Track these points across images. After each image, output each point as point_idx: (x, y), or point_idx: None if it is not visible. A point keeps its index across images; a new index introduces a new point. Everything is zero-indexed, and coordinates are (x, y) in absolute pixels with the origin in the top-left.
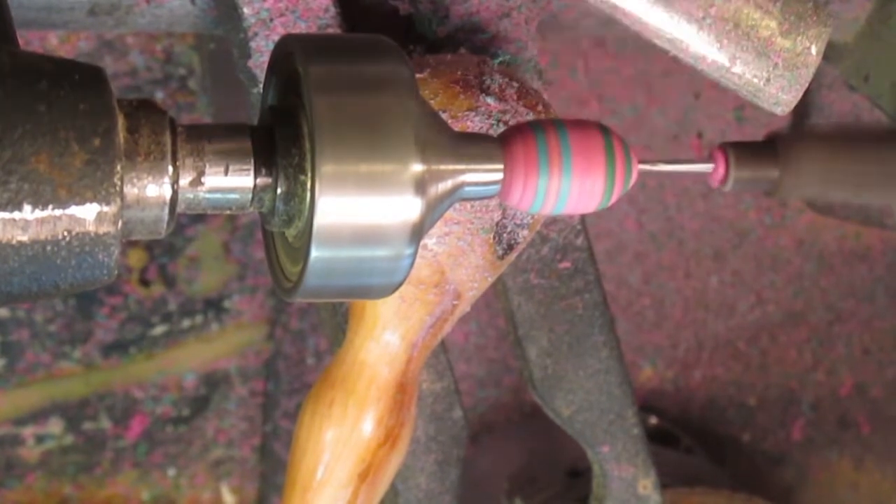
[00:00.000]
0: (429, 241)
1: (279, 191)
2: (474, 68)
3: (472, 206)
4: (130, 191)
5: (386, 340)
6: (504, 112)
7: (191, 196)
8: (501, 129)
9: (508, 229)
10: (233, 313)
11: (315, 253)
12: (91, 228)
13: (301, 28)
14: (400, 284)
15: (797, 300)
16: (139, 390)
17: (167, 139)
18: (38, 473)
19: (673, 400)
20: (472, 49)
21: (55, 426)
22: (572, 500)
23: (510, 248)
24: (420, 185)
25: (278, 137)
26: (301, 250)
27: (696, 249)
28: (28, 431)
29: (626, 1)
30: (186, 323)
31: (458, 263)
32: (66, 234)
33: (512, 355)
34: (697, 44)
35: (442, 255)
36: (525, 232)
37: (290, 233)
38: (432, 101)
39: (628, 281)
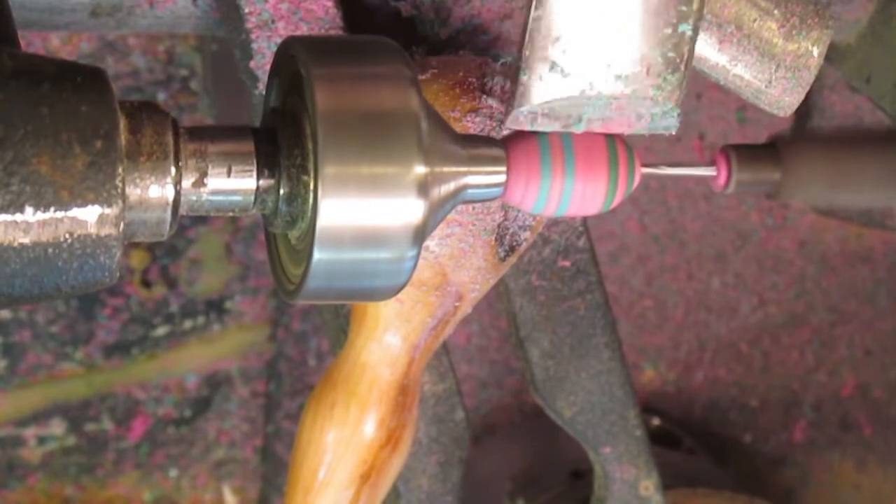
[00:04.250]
0: (430, 242)
1: (282, 192)
2: (476, 70)
3: (473, 209)
4: (133, 192)
5: (387, 342)
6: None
7: (193, 198)
8: (503, 130)
9: (510, 231)
10: (234, 314)
11: (317, 255)
12: (93, 230)
13: (303, 30)
14: (402, 287)
15: (799, 301)
16: (141, 391)
17: (169, 140)
18: (40, 474)
19: (675, 401)
20: (473, 51)
21: (57, 427)
22: (574, 501)
23: (512, 249)
24: (423, 187)
25: (281, 139)
26: (303, 252)
27: (698, 251)
28: (30, 432)
29: None
30: (188, 324)
31: (460, 265)
32: (67, 236)
33: (514, 357)
34: (699, 45)
35: (444, 257)
36: (527, 234)
37: (293, 234)
38: (434, 103)
39: (630, 282)
